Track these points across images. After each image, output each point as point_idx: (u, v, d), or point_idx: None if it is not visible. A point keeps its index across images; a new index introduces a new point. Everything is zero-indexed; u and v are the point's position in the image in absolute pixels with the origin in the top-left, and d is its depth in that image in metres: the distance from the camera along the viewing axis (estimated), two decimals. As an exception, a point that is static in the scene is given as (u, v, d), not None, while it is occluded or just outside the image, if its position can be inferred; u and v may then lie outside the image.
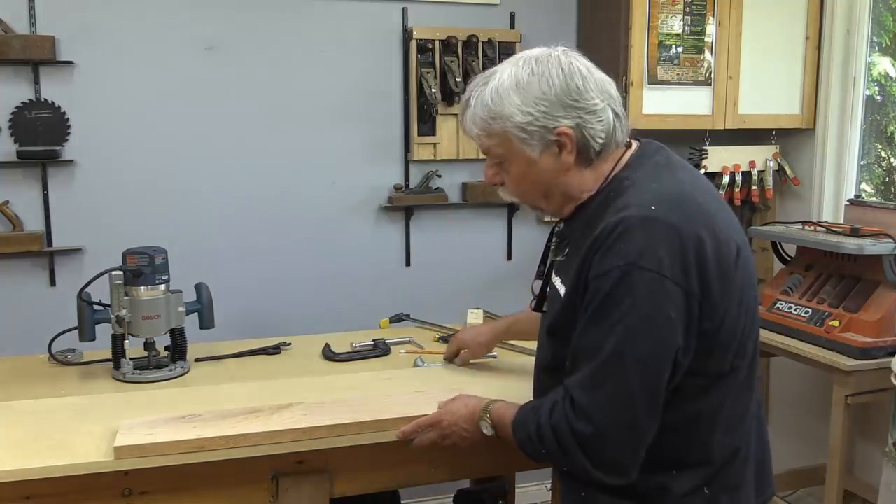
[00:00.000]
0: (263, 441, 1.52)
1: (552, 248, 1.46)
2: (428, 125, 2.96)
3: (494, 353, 2.04)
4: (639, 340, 1.16)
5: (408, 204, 2.99)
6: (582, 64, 1.30)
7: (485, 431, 1.43)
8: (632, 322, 1.16)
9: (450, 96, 2.91)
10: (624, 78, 2.86)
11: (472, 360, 2.00)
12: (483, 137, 1.34)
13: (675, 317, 1.16)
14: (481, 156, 3.23)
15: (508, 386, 1.77)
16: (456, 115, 2.97)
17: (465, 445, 1.51)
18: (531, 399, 1.41)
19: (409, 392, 1.75)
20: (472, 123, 1.34)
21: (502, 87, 1.29)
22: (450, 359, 2.02)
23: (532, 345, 1.93)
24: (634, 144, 1.36)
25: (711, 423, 1.26)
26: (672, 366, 1.18)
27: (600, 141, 1.29)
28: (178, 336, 2.03)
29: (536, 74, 1.28)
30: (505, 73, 1.30)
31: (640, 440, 1.20)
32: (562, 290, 1.32)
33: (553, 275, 1.39)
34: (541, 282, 1.49)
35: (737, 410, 1.29)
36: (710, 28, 2.96)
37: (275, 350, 2.18)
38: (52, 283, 2.70)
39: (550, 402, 1.26)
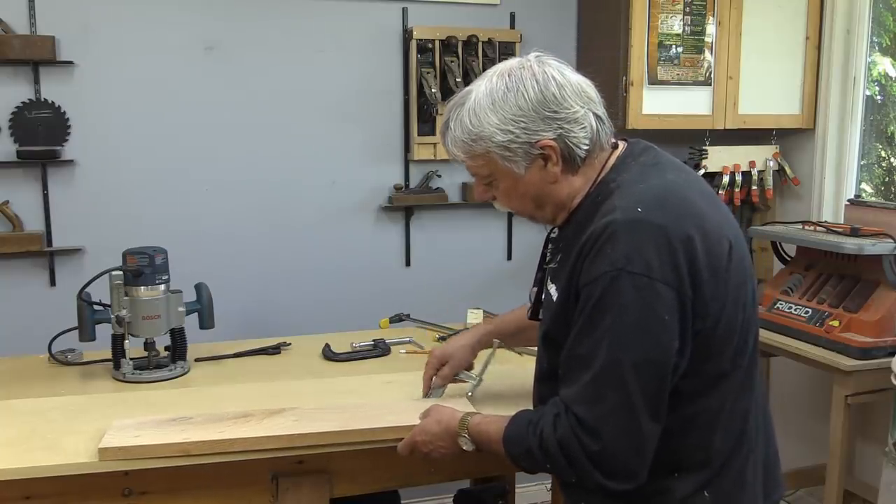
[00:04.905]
0: (251, 447, 1.50)
1: (547, 254, 1.45)
2: (428, 125, 2.95)
3: (473, 375, 1.72)
4: (633, 346, 1.15)
5: (408, 204, 2.99)
6: (556, 70, 1.27)
7: (464, 447, 1.40)
8: (624, 328, 1.15)
9: (450, 96, 2.90)
10: (624, 78, 2.86)
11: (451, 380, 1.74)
12: (467, 160, 1.32)
13: (668, 319, 1.15)
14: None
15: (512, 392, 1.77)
16: (456, 114, 2.96)
17: (450, 458, 1.47)
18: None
19: (406, 399, 1.73)
20: (453, 147, 1.32)
21: (479, 106, 1.27)
22: (429, 379, 1.73)
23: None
24: (622, 145, 1.34)
25: (711, 425, 1.25)
26: (671, 369, 1.17)
27: (585, 147, 1.27)
28: (178, 336, 2.03)
29: (511, 90, 1.25)
30: (480, 91, 1.28)
31: (645, 446, 1.18)
32: (556, 296, 1.30)
33: (548, 282, 1.37)
34: (536, 290, 1.47)
35: (737, 410, 1.27)
36: (710, 28, 2.96)
37: (275, 350, 2.19)
38: (52, 283, 2.70)
39: (551, 415, 1.23)
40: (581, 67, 1.33)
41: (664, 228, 1.16)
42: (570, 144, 1.26)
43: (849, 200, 2.83)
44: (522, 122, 1.24)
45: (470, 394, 1.71)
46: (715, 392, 1.24)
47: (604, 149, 1.31)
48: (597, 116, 1.28)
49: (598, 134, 1.28)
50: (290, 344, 2.23)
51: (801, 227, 2.77)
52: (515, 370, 1.87)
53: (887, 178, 3.08)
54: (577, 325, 1.20)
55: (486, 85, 1.28)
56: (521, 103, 1.24)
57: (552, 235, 1.44)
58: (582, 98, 1.27)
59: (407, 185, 3.02)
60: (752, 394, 1.30)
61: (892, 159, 3.06)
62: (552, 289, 1.34)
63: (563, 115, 1.25)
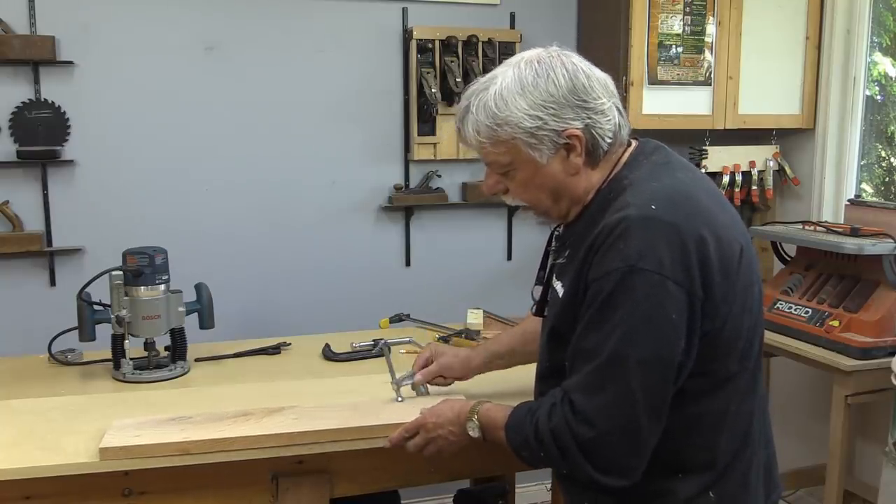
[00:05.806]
0: (251, 445, 1.50)
1: (552, 251, 1.44)
2: (428, 125, 2.95)
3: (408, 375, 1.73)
4: (641, 343, 1.14)
5: (408, 204, 2.99)
6: (583, 63, 1.27)
7: (472, 434, 1.39)
8: (633, 324, 1.14)
9: (450, 96, 2.91)
10: (624, 78, 2.86)
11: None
12: (487, 146, 1.27)
13: (676, 318, 1.14)
14: (481, 156, 3.22)
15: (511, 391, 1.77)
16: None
17: (451, 451, 1.46)
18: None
19: (406, 397, 1.73)
20: (474, 132, 1.27)
21: (506, 90, 1.24)
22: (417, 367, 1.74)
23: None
24: (633, 143, 1.34)
25: (717, 426, 1.24)
26: (676, 368, 1.17)
27: (608, 140, 1.26)
28: (178, 336, 2.03)
29: (541, 76, 1.23)
30: (507, 76, 1.25)
31: (642, 444, 1.17)
32: (561, 292, 1.30)
33: (554, 278, 1.37)
34: (541, 287, 1.46)
35: (742, 413, 1.27)
36: (710, 28, 2.96)
37: (275, 350, 2.18)
38: (52, 283, 2.70)
39: (548, 404, 1.23)
40: (581, 68, 1.32)
41: (677, 227, 1.16)
42: (596, 136, 1.25)
43: (849, 200, 2.83)
44: (552, 108, 1.23)
45: (398, 395, 1.71)
46: (721, 393, 1.24)
47: (622, 144, 1.31)
48: (619, 111, 1.28)
49: (620, 128, 1.28)
50: (290, 344, 2.22)
51: (801, 227, 2.77)
52: (516, 370, 1.86)
53: (887, 178, 3.08)
54: (585, 319, 1.20)
55: (514, 71, 1.25)
56: (552, 90, 1.23)
57: (557, 232, 1.44)
58: (607, 91, 1.27)
59: (407, 185, 3.02)
60: (755, 396, 1.30)
61: (892, 159, 3.06)
62: (558, 285, 1.33)
63: (592, 105, 1.24)
